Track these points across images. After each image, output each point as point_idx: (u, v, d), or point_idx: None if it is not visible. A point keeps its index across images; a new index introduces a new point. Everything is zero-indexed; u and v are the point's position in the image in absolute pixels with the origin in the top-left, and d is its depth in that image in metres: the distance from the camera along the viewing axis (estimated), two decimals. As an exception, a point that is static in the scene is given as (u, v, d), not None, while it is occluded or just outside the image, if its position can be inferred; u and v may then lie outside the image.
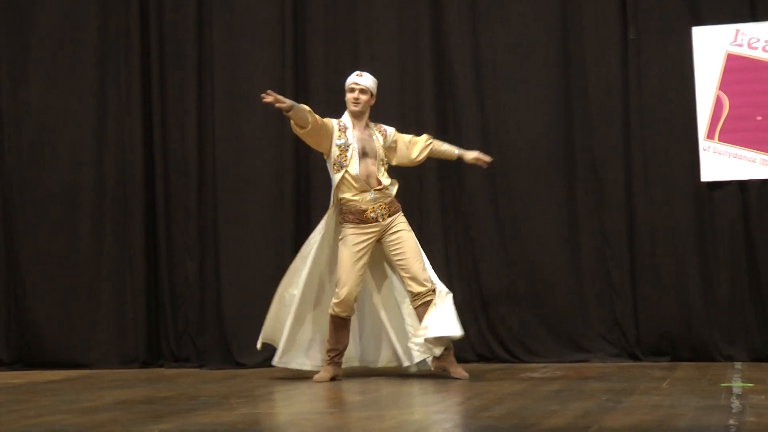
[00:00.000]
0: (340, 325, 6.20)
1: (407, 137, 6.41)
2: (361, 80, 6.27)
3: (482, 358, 7.12)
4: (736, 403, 4.58)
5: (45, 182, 7.76)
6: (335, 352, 6.23)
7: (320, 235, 6.31)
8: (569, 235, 7.05)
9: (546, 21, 7.15)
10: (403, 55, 7.39)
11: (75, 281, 7.68)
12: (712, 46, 6.82)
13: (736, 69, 6.78)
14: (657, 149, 6.91)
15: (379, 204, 6.18)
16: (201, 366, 7.40)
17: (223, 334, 7.42)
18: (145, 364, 7.55)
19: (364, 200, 6.16)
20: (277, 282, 7.15)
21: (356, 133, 6.23)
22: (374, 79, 6.29)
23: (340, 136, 6.20)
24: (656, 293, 6.88)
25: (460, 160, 6.47)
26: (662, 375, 5.97)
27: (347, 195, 6.18)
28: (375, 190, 6.17)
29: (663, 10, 6.92)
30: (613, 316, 6.96)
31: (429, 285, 6.08)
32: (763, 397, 4.84)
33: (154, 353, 7.64)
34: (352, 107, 6.26)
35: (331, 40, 7.48)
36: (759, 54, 6.78)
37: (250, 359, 7.25)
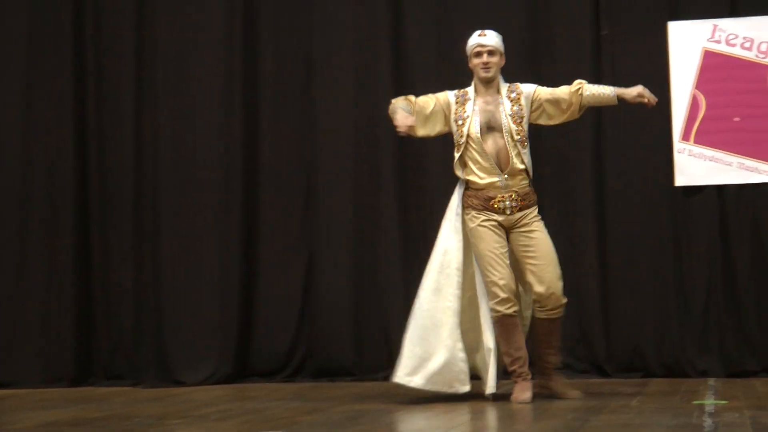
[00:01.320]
0: (511, 325, 5.62)
1: (548, 91, 5.81)
2: (487, 40, 5.75)
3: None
4: (708, 422, 4.60)
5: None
6: (519, 361, 5.64)
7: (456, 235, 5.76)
8: None
9: (513, 15, 7.15)
10: (361, 49, 7.34)
11: None
12: (689, 43, 6.84)
13: (714, 67, 6.81)
14: (630, 151, 6.92)
15: (510, 193, 5.68)
16: (135, 384, 7.29)
17: (160, 348, 7.31)
18: (74, 383, 7.40)
19: (492, 186, 5.69)
20: (223, 291, 7.30)
21: (479, 102, 5.73)
22: (500, 36, 5.84)
23: (457, 110, 5.75)
24: (627, 305, 6.88)
25: (621, 102, 5.85)
26: (633, 392, 5.96)
27: (472, 177, 5.71)
28: (506, 175, 5.66)
29: (637, 4, 6.95)
30: (581, 329, 6.93)
31: (563, 300, 5.69)
32: (737, 415, 4.84)
33: (84, 370, 7.48)
34: (482, 74, 5.73)
35: (283, 32, 7.44)
36: (737, 51, 6.80)
37: (191, 376, 7.19)
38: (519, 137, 5.67)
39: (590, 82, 6.79)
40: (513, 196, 5.65)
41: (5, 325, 7.50)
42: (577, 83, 5.76)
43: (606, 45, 6.95)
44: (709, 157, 6.78)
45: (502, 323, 5.61)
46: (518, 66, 6.98)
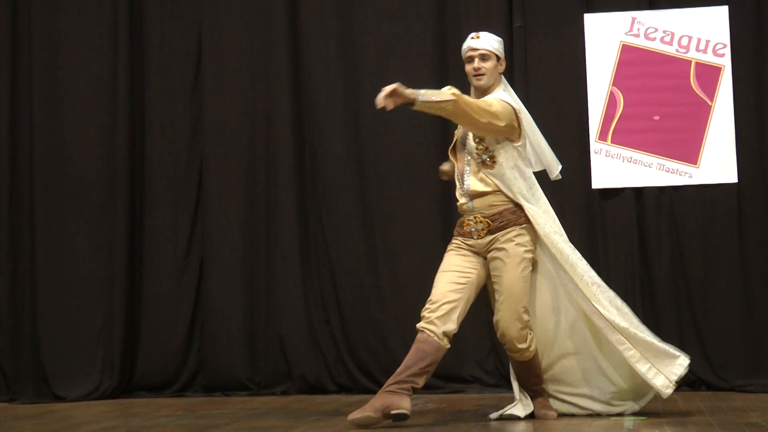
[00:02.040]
0: (418, 341, 5.28)
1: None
2: (479, 43, 5.40)
3: (343, 389, 7.05)
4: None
5: None
6: (397, 376, 5.28)
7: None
8: (437, 251, 6.69)
9: (420, 6, 7.10)
10: (254, 37, 7.21)
11: None
12: (606, 36, 6.85)
13: (632, 62, 6.83)
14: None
15: (475, 216, 5.39)
16: (11, 400, 7.18)
17: (38, 361, 7.17)
18: None
19: (462, 207, 5.45)
20: (106, 299, 7.17)
21: None
22: (498, 39, 5.50)
23: None
24: None
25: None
26: None
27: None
28: (469, 195, 5.38)
29: None
30: (490, 341, 6.85)
31: (518, 345, 5.30)
32: (658, 431, 4.87)
33: None
34: (474, 81, 5.43)
35: (169, 17, 7.32)
36: (657, 45, 6.81)
37: (71, 392, 7.09)
38: (480, 157, 5.34)
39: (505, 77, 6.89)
40: (479, 218, 5.33)
41: None
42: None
43: (519, 38, 6.93)
44: (628, 158, 6.77)
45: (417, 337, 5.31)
46: (425, 61, 7.09)
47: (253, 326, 7.10)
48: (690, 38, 6.73)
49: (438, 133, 6.91)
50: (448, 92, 5.23)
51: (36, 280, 7.21)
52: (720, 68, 6.70)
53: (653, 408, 5.62)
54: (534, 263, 5.39)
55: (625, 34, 6.80)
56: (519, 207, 5.34)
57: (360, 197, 7.13)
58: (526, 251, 5.32)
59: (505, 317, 5.28)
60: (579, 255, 5.40)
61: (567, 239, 5.43)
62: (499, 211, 5.33)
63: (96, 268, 7.17)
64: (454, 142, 5.54)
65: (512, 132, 5.33)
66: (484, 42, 5.40)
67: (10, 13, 7.35)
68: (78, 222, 7.23)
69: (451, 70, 6.96)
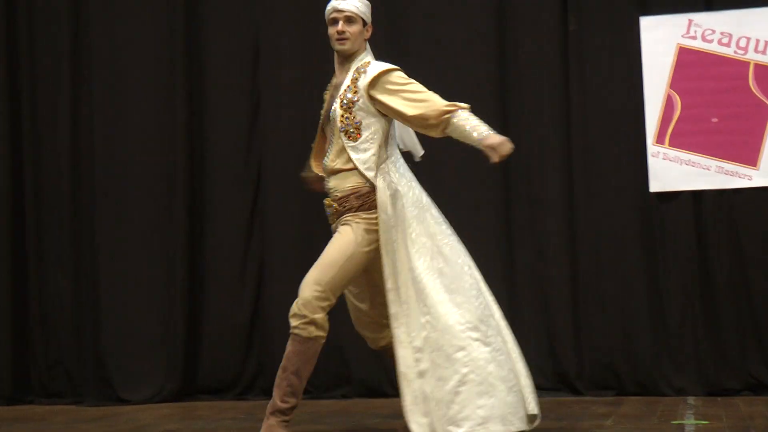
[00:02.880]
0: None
1: (388, 93, 4.84)
2: (345, 4, 4.91)
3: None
4: (689, 444, 4.68)
5: None
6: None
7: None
8: (500, 252, 6.94)
9: (479, 10, 7.06)
10: (308, 35, 7.13)
11: None
12: (662, 39, 6.78)
13: (689, 64, 6.75)
14: (600, 155, 6.86)
15: (332, 196, 4.90)
16: (77, 402, 7.25)
17: (102, 365, 7.24)
18: (11, 401, 7.35)
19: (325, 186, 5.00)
20: (168, 304, 7.20)
21: (334, 82, 5.00)
22: (366, 2, 5.02)
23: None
24: (599, 319, 6.82)
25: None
26: (606, 411, 5.92)
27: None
28: (327, 173, 4.93)
29: None
30: (550, 344, 6.86)
31: (302, 312, 4.76)
32: None
33: (22, 387, 7.42)
34: (336, 46, 4.91)
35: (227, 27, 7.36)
36: (714, 47, 6.74)
37: (135, 394, 7.15)
38: (344, 127, 4.83)
39: (557, 83, 6.92)
40: (329, 201, 4.92)
41: None
42: (451, 106, 4.85)
43: (574, 41, 6.89)
44: (686, 161, 6.71)
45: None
46: (482, 65, 7.05)
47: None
48: (748, 39, 6.65)
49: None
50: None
51: (99, 285, 7.27)
52: (779, 69, 6.69)
53: (715, 413, 5.59)
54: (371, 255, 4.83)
55: (682, 36, 6.74)
56: (372, 190, 4.82)
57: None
58: (365, 238, 4.79)
59: (307, 277, 4.75)
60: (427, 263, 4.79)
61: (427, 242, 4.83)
62: (346, 195, 4.84)
63: (158, 273, 7.21)
64: (321, 118, 5.04)
65: None
66: (350, 3, 4.90)
67: (69, 24, 7.42)
68: (139, 226, 7.29)
69: (509, 72, 6.91)
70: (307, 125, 7.02)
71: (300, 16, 7.20)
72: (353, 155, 4.81)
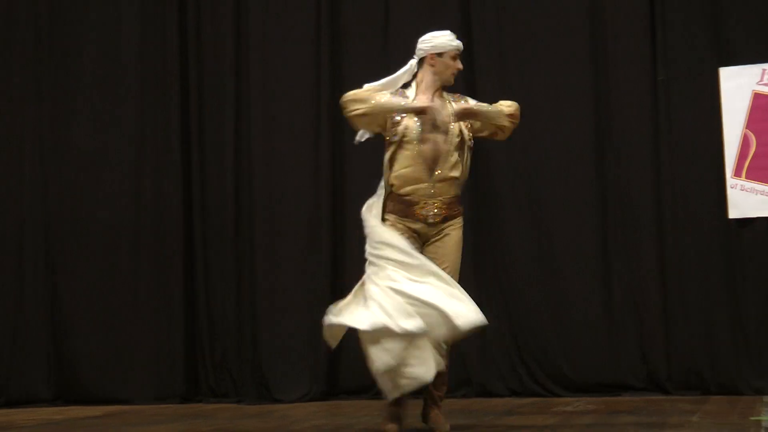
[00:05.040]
0: None
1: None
2: (460, 44, 5.26)
3: (514, 393, 7.22)
4: (766, 435, 4.64)
5: (85, 217, 7.88)
6: None
7: None
8: (600, 271, 7.16)
9: (577, 62, 7.27)
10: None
11: (114, 315, 7.73)
12: (739, 86, 6.89)
13: (763, 107, 6.86)
14: (686, 188, 7.01)
15: (435, 201, 5.20)
16: (239, 401, 7.43)
17: (258, 367, 7.45)
18: (184, 400, 7.60)
19: (418, 192, 5.21)
20: (313, 314, 6.99)
21: (422, 101, 5.23)
22: None
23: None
24: (686, 328, 6.95)
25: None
26: (692, 408, 5.98)
27: (396, 181, 5.25)
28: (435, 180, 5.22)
29: (690, 51, 7.03)
30: (642, 350, 7.03)
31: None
32: None
33: (193, 388, 7.67)
34: (452, 79, 5.24)
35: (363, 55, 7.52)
36: None
37: (288, 394, 7.34)
38: (470, 143, 5.20)
39: (648, 122, 7.05)
40: (438, 203, 5.11)
41: (122, 346, 7.71)
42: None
43: (663, 89, 7.05)
44: (761, 191, 6.84)
45: None
46: (582, 109, 7.17)
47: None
48: None
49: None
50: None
51: (256, 294, 7.44)
52: (841, 109, 6.65)
53: None
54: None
55: (757, 83, 6.85)
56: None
57: (527, 230, 7.21)
58: None
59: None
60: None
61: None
62: (453, 200, 5.25)
63: (303, 289, 7.34)
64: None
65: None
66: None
67: (233, 73, 7.76)
68: (291, 243, 7.43)
69: (604, 118, 7.11)
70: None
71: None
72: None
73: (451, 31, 5.26)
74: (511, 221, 7.31)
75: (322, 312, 7.00)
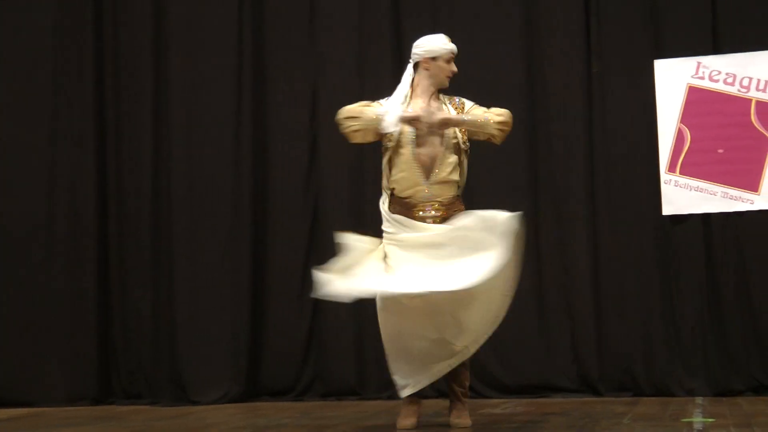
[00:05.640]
0: None
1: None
2: (455, 49, 5.42)
3: (442, 394, 6.91)
4: (696, 439, 4.61)
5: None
6: None
7: None
8: (531, 269, 6.92)
9: (509, 54, 7.21)
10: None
11: (24, 316, 7.58)
12: (674, 79, 6.87)
13: (698, 102, 6.84)
14: (619, 182, 6.96)
15: (433, 203, 5.36)
16: (153, 403, 7.30)
17: (176, 370, 7.33)
18: (96, 401, 7.43)
19: (417, 195, 5.37)
20: (234, 314, 7.25)
21: (419, 105, 5.40)
22: None
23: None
24: (619, 328, 6.88)
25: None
26: (624, 410, 5.97)
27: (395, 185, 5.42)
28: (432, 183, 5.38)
29: (625, 43, 6.99)
30: (574, 351, 6.97)
31: None
32: None
33: (105, 390, 7.52)
34: (446, 82, 5.38)
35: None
36: (720, 86, 6.82)
37: (205, 396, 7.21)
38: (465, 147, 5.36)
39: (582, 115, 7.01)
40: (436, 205, 5.27)
41: (32, 348, 7.52)
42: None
43: (596, 81, 7.00)
44: (695, 187, 6.80)
45: None
46: (514, 96, 7.00)
47: (362, 339, 7.08)
48: (750, 79, 6.73)
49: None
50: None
51: (174, 295, 7.33)
52: (778, 105, 6.70)
53: (721, 412, 5.67)
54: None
55: (691, 77, 6.80)
56: None
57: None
58: None
59: None
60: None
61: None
62: (454, 201, 5.41)
63: (224, 289, 7.27)
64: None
65: None
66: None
67: (151, 67, 7.59)
68: (210, 245, 7.33)
69: (538, 110, 7.04)
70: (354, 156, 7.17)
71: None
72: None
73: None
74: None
75: (242, 315, 7.23)
